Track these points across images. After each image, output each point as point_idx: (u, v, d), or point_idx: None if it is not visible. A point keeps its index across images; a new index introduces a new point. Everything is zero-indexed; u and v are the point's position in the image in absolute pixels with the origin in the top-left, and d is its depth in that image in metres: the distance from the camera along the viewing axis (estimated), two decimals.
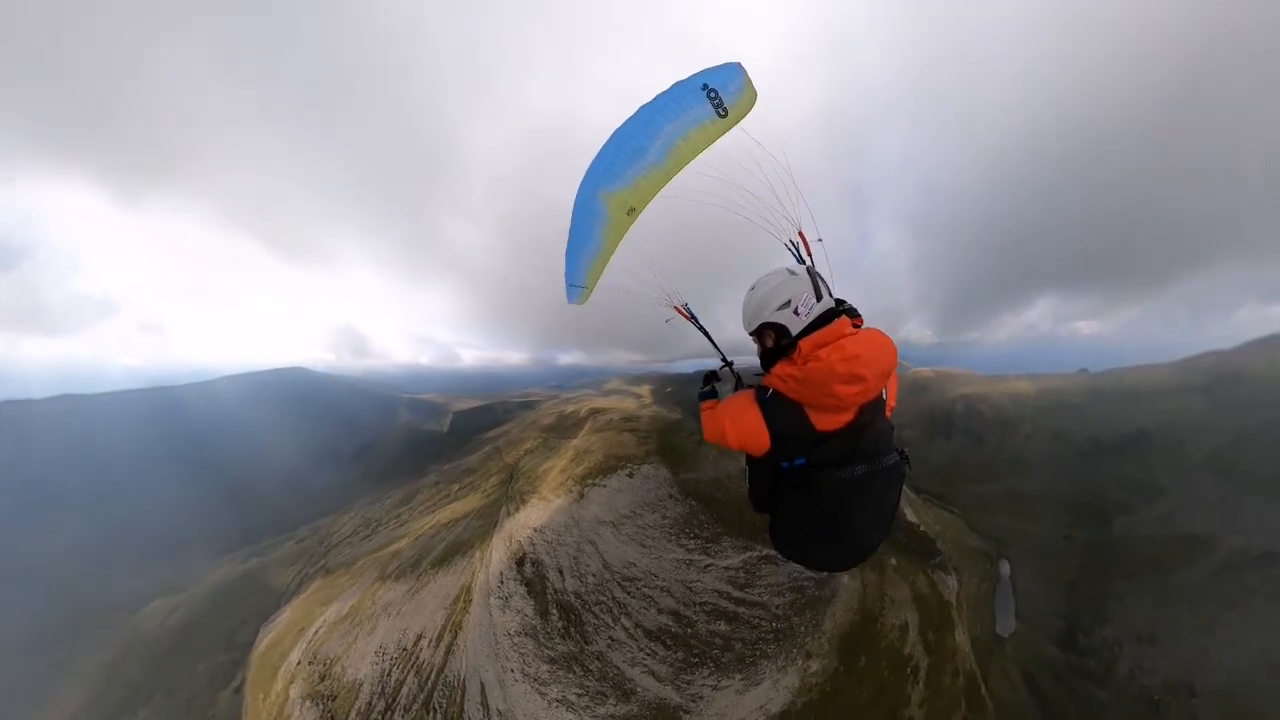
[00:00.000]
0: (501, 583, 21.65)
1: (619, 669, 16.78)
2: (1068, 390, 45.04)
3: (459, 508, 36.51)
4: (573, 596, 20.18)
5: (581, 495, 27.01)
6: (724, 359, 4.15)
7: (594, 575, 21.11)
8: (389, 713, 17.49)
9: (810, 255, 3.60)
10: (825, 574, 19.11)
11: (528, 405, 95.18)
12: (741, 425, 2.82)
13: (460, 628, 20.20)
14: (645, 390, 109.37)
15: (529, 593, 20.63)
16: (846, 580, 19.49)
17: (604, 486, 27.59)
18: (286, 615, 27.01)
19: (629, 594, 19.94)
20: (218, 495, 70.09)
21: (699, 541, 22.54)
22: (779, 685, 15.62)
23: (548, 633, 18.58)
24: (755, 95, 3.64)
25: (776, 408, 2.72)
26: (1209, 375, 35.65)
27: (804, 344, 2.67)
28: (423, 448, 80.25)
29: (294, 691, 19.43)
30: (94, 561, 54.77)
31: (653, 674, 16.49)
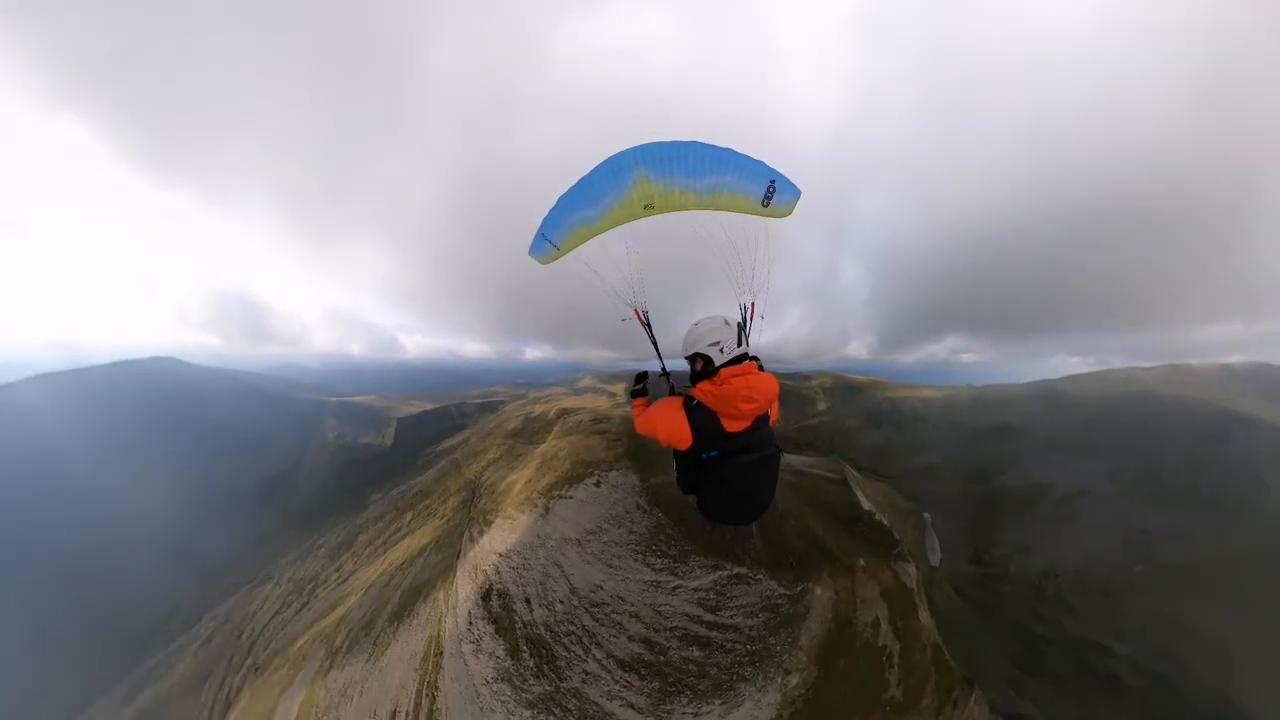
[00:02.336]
0: (470, 624, 20.06)
1: (598, 704, 16.41)
2: (958, 397, 67.05)
3: (414, 542, 33.30)
4: (542, 629, 19.28)
5: (547, 510, 25.63)
6: (663, 368, 5.03)
7: (561, 602, 20.33)
8: None
9: (750, 320, 4.59)
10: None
11: (490, 407, 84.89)
12: (671, 425, 3.86)
13: (437, 689, 18.40)
14: (620, 388, 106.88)
15: (497, 631, 19.36)
16: (820, 593, 20.15)
17: (570, 498, 26.35)
18: None
19: (598, 621, 19.33)
20: (51, 598, 41.57)
21: (666, 560, 21.94)
22: (761, 704, 16.19)
23: (521, 674, 17.60)
24: (789, 214, 4.55)
25: (698, 413, 3.84)
26: (1044, 391, 59.61)
27: (723, 372, 3.85)
28: (359, 469, 64.32)
29: None
30: None
31: (632, 706, 16.38)
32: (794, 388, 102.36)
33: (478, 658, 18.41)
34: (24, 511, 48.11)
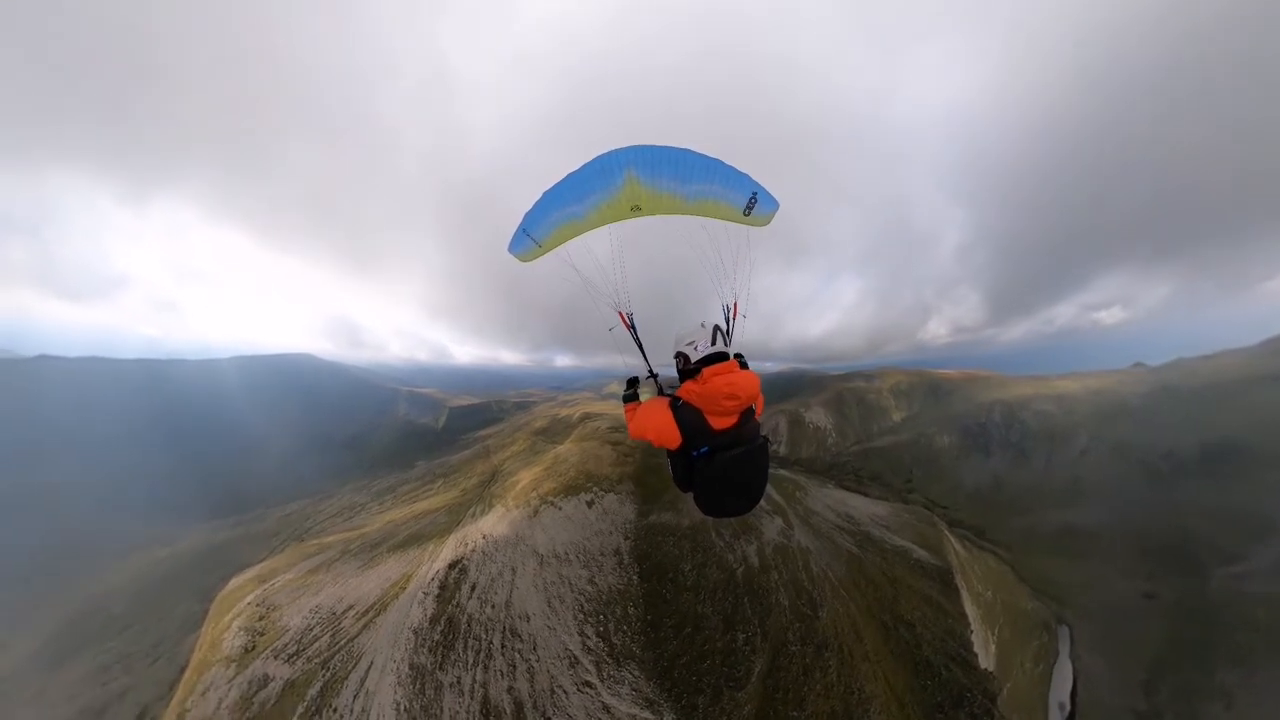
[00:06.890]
0: (432, 579, 23.46)
1: (441, 711, 16.48)
2: (1126, 389, 35.53)
3: (434, 502, 38.94)
4: (464, 618, 20.38)
5: (535, 513, 27.57)
6: (650, 370, 5.09)
7: (493, 607, 21.09)
8: (295, 658, 19.95)
9: (733, 319, 4.84)
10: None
11: (524, 406, 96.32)
12: (660, 426, 4.08)
13: (384, 609, 22.18)
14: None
15: (439, 596, 22.07)
16: None
17: (559, 509, 27.76)
18: (255, 570, 29.31)
19: (503, 649, 18.91)
20: (216, 465, 73.12)
21: (603, 645, 18.95)
22: None
23: (425, 639, 19.41)
24: (767, 224, 4.83)
25: (685, 412, 4.04)
26: None
27: (705, 371, 4.06)
28: (415, 441, 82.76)
29: (236, 624, 22.46)
30: (96, 505, 56.13)
31: None
32: (855, 391, 71.26)
33: (418, 606, 21.53)
34: (210, 428, 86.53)
